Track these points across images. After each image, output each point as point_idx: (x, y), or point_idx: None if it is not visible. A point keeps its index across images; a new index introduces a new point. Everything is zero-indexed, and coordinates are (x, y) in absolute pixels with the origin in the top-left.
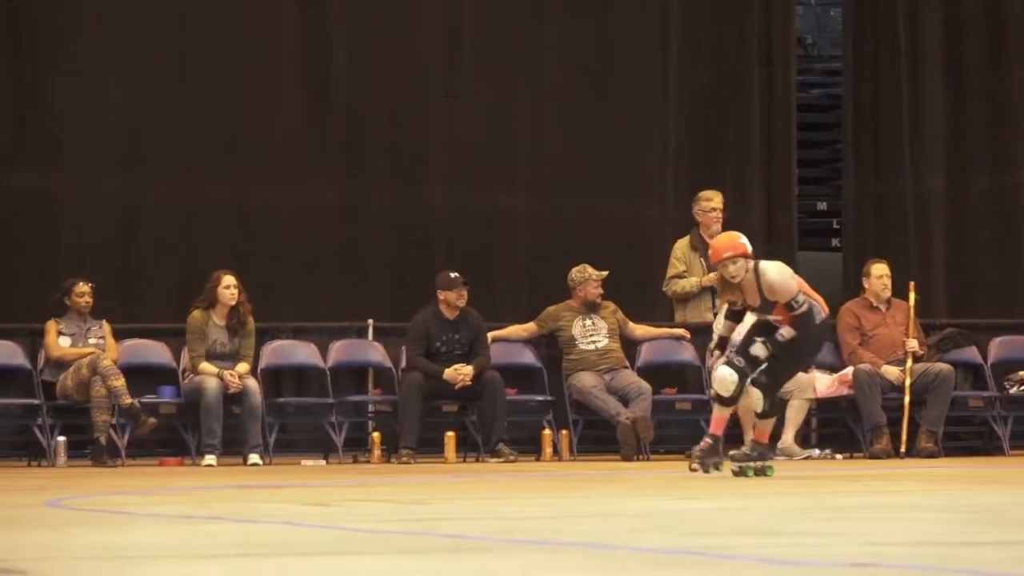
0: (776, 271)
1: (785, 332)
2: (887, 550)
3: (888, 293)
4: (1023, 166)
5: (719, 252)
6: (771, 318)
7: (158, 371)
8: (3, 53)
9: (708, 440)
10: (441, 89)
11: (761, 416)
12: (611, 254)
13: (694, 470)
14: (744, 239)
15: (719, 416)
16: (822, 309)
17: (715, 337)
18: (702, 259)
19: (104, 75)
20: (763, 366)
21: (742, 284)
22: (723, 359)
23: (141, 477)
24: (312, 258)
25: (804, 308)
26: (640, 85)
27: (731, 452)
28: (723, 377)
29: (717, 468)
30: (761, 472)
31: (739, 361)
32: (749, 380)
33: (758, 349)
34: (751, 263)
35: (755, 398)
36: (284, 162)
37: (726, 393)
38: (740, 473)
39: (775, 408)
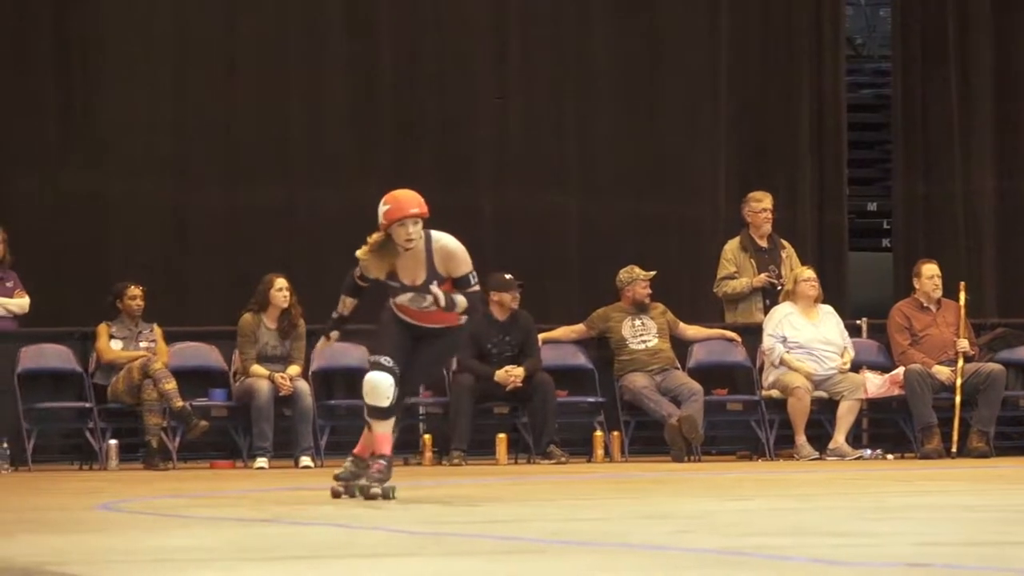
0: (451, 238)
1: (459, 299)
2: (939, 550)
3: (939, 293)
4: None
5: (406, 206)
6: (431, 301)
7: (209, 374)
8: (51, 56)
9: (381, 462)
10: (489, 90)
11: (384, 415)
12: (662, 255)
13: (372, 497)
14: None
15: (383, 433)
16: None
17: (334, 315)
18: (752, 260)
19: (152, 77)
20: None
21: (407, 254)
22: (368, 362)
23: (192, 480)
24: None
25: (477, 286)
26: (690, 86)
27: (336, 472)
28: (377, 384)
29: (393, 495)
30: (380, 494)
31: (387, 360)
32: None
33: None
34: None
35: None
36: (332, 164)
37: (385, 401)
38: (348, 493)
39: (399, 407)
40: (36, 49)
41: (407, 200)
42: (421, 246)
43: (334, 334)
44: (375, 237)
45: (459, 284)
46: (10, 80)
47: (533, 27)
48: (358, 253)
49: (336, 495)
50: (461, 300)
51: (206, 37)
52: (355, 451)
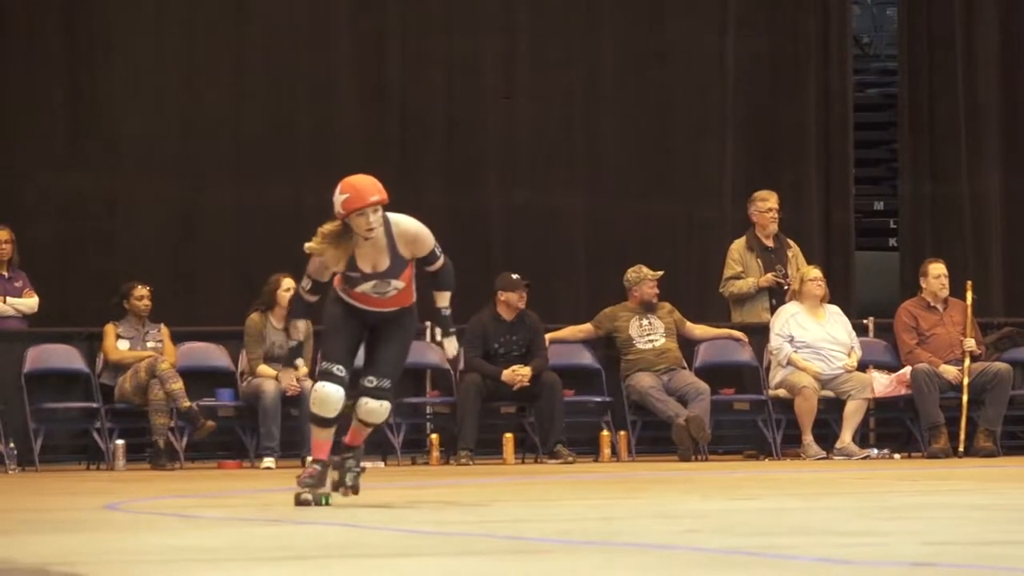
0: (410, 219)
1: (443, 303)
2: (946, 549)
3: (945, 293)
4: None
5: (366, 194)
6: (399, 286)
7: (216, 374)
8: (58, 54)
9: (316, 467)
10: (497, 89)
11: (327, 424)
12: (669, 255)
13: (304, 503)
14: None
15: (324, 440)
16: None
17: (291, 344)
18: (759, 260)
19: (161, 77)
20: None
21: (367, 242)
22: (319, 371)
23: (199, 480)
24: None
25: (443, 256)
26: (697, 85)
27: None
28: (326, 397)
29: (327, 501)
30: (312, 501)
31: (339, 370)
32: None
33: (449, 347)
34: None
35: (384, 411)
36: (341, 163)
37: (331, 414)
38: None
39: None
40: (45, 48)
41: (366, 187)
42: (381, 232)
43: (299, 362)
44: (330, 227)
45: (426, 262)
46: (19, 79)
47: (541, 27)
48: (310, 246)
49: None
50: (445, 299)
51: (215, 37)
52: (346, 441)
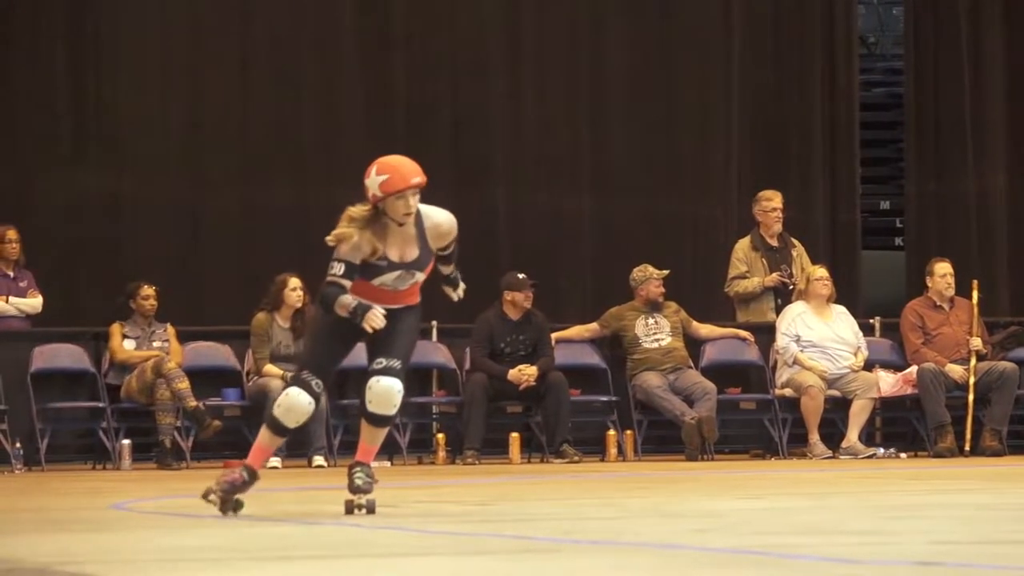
0: (441, 211)
1: (452, 270)
2: (952, 549)
3: (951, 292)
4: None
5: (408, 175)
6: (419, 279)
7: (222, 373)
8: (64, 55)
9: (244, 474)
10: (503, 89)
11: (282, 434)
12: (675, 254)
13: (210, 503)
14: None
15: (267, 446)
16: None
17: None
18: (763, 260)
19: (166, 77)
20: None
21: (399, 229)
22: (296, 377)
23: (206, 480)
24: None
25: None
26: (702, 85)
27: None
28: (296, 404)
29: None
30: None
31: (317, 385)
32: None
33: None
34: None
35: (396, 392)
36: (346, 163)
37: (294, 424)
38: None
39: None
40: (51, 48)
41: (407, 168)
42: (412, 220)
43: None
44: (359, 210)
45: (444, 250)
46: (25, 79)
47: (547, 26)
48: (338, 232)
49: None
50: (451, 267)
51: (220, 37)
52: (358, 458)
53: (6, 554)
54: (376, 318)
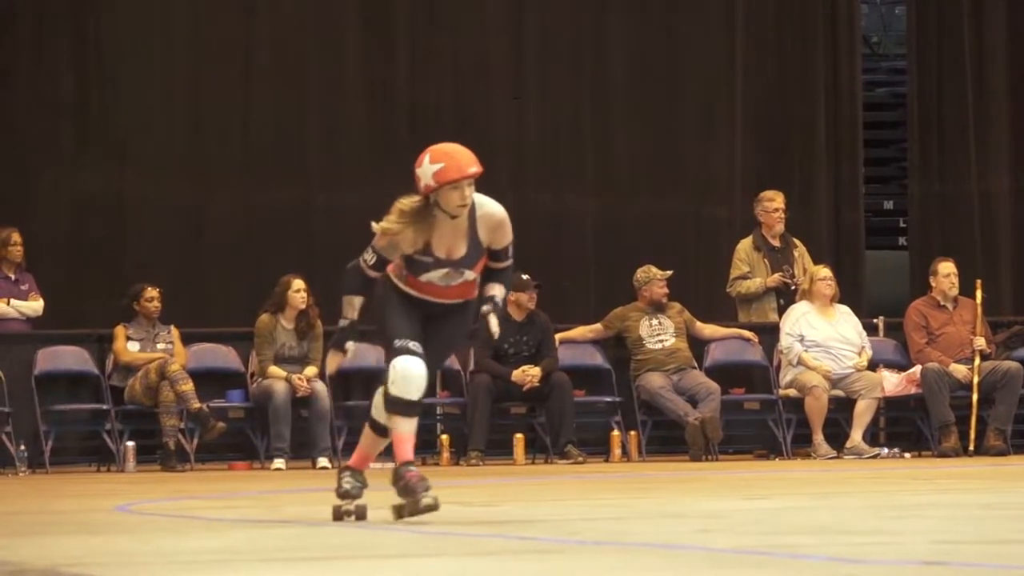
0: (496, 203)
1: (498, 292)
2: (957, 548)
3: (955, 292)
4: None
5: (465, 164)
6: (468, 277)
7: (226, 375)
8: (68, 57)
9: (415, 470)
10: (506, 90)
11: (410, 411)
12: (678, 254)
13: (426, 509)
14: None
15: (407, 434)
16: None
17: (343, 323)
18: (765, 260)
19: (169, 78)
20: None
21: (450, 222)
22: (394, 347)
23: (210, 481)
24: None
25: (511, 259)
26: (706, 85)
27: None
28: (409, 371)
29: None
30: (434, 506)
31: (416, 346)
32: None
33: (493, 324)
34: None
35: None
36: (350, 164)
37: (417, 394)
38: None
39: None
40: (54, 49)
41: (464, 157)
42: (466, 212)
43: (350, 345)
44: (410, 203)
45: (496, 257)
46: (27, 81)
47: (550, 27)
48: (385, 225)
49: (341, 516)
50: (501, 291)
51: (223, 38)
52: (351, 463)
53: (11, 556)
54: (331, 365)
